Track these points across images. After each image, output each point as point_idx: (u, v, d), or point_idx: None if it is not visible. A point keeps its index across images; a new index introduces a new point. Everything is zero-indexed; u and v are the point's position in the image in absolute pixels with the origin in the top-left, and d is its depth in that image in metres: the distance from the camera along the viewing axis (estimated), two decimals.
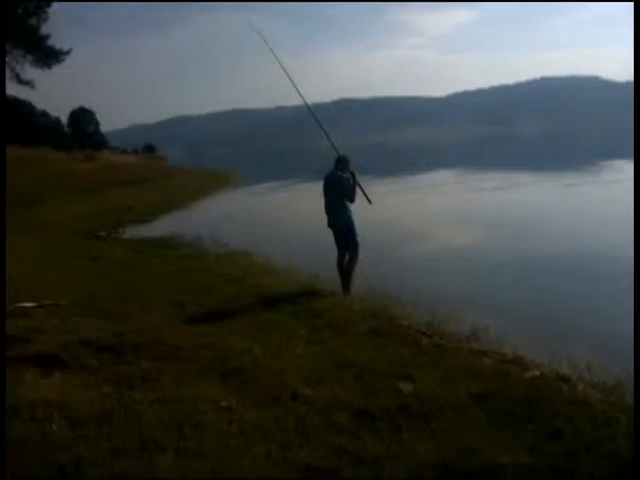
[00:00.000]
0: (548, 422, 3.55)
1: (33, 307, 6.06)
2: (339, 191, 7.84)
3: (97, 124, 75.20)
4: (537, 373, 4.45)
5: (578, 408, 3.73)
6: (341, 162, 7.98)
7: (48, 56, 28.64)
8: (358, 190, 7.95)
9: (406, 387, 4.13)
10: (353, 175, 7.92)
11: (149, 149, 79.07)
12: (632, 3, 4.64)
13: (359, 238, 7.84)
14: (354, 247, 7.83)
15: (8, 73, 28.33)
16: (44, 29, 28.13)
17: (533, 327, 6.04)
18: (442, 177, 30.50)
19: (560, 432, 3.41)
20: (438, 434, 3.43)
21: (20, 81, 29.22)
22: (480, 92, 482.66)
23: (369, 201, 8.01)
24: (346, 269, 7.82)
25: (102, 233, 14.25)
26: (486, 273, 8.87)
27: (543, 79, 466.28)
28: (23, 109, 55.45)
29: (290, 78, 8.62)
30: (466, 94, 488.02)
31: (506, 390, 4.03)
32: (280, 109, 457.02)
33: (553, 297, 7.32)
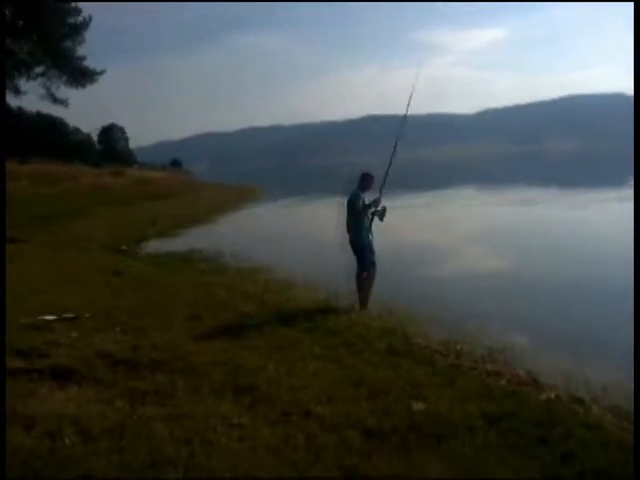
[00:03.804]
0: (561, 445, 3.49)
1: (53, 320, 6.15)
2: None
3: (127, 140, 76.59)
4: (552, 395, 4.38)
5: (592, 431, 3.68)
6: (364, 180, 7.79)
7: (82, 76, 29.38)
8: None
9: (419, 407, 4.09)
10: (369, 205, 7.64)
11: (175, 164, 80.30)
12: (632, 3, 4.61)
13: (375, 258, 7.74)
14: (370, 266, 7.74)
15: (43, 92, 29.25)
16: (80, 51, 28.95)
17: (551, 348, 5.93)
18: (467, 194, 30.38)
19: (573, 455, 3.36)
20: (449, 455, 3.39)
21: (55, 100, 30.00)
22: (509, 109, 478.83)
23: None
24: (363, 286, 7.78)
25: (124, 247, 14.42)
26: (501, 291, 8.77)
27: (570, 97, 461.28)
28: (56, 126, 56.90)
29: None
30: (495, 111, 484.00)
31: (520, 412, 3.98)
32: (304, 126, 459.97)
33: (573, 317, 7.19)
